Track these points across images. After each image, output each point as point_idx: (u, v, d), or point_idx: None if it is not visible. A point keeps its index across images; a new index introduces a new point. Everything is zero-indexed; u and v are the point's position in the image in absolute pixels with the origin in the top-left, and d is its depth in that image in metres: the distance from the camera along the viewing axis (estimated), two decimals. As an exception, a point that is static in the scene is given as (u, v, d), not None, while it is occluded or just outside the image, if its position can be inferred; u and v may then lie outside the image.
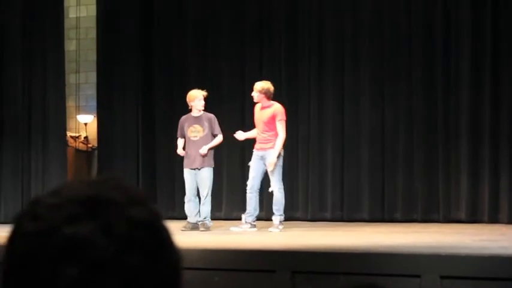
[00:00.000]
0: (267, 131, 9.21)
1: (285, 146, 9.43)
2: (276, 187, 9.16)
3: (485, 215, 10.50)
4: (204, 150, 9.28)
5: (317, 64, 11.60)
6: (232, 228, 9.20)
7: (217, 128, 9.41)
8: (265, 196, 10.62)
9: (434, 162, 10.89)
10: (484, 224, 10.19)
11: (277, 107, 9.27)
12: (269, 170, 9.16)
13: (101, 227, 0.93)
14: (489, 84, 10.61)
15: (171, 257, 0.99)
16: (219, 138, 9.42)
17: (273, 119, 9.19)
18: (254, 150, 9.38)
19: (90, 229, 0.92)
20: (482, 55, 10.69)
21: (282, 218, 9.18)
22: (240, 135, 9.60)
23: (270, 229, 9.08)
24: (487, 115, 10.61)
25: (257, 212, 9.37)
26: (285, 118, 9.28)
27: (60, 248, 0.92)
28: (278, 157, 9.14)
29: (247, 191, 9.36)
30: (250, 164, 9.37)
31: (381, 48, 11.27)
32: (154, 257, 0.95)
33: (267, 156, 9.16)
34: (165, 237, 0.99)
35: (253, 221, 9.26)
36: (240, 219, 9.96)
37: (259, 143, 9.28)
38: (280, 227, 9.08)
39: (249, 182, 9.34)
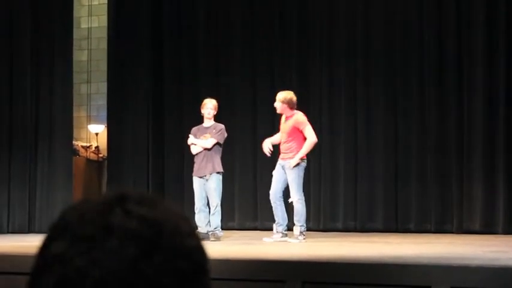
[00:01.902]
0: (289, 141, 9.17)
1: (308, 157, 9.35)
2: (296, 197, 9.07)
3: (500, 226, 10.43)
4: (191, 139, 9.36)
5: (329, 74, 11.58)
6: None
7: (216, 135, 9.37)
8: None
9: (447, 172, 10.83)
10: (498, 235, 10.12)
11: (298, 116, 9.19)
12: (289, 179, 9.10)
13: (143, 252, 0.92)
14: (503, 93, 10.55)
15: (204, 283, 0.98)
16: (210, 141, 9.34)
17: (294, 128, 9.13)
18: (278, 159, 9.34)
19: (130, 256, 0.92)
20: (496, 65, 10.64)
21: (303, 228, 9.08)
22: (265, 146, 9.37)
23: (289, 240, 9.00)
24: (500, 125, 10.55)
25: (286, 221, 9.23)
26: (307, 123, 9.17)
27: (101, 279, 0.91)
28: (299, 167, 9.07)
29: (271, 201, 9.31)
30: (273, 173, 9.34)
31: (393, 58, 11.24)
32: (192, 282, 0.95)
33: (288, 166, 9.13)
34: (206, 267, 0.99)
35: (284, 230, 9.19)
36: (252, 229, 9.93)
37: (282, 152, 9.26)
38: (301, 237, 8.97)
39: (270, 192, 9.29)
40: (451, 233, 10.54)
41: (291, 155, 9.10)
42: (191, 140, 9.45)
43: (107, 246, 0.91)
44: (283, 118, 9.35)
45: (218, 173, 9.29)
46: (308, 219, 11.27)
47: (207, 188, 9.26)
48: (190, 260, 0.96)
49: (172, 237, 0.95)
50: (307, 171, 11.38)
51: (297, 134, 9.14)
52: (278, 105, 9.23)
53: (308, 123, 9.19)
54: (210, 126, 9.45)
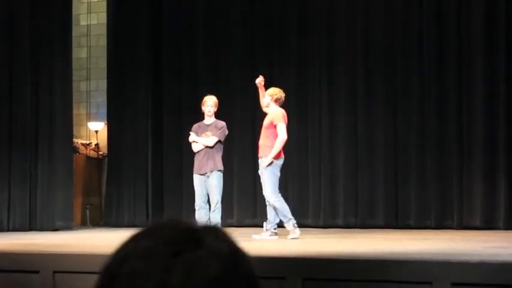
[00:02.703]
0: (265, 137, 9.11)
1: (285, 154, 9.19)
2: (272, 199, 8.97)
3: (500, 222, 10.43)
4: (193, 137, 9.34)
5: (328, 72, 11.58)
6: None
7: (218, 133, 9.34)
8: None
9: (447, 168, 10.83)
10: (499, 231, 10.12)
11: (275, 111, 9.11)
12: (263, 178, 9.01)
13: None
14: (503, 91, 10.58)
15: None
16: (211, 139, 9.33)
17: (271, 124, 9.07)
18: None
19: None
20: (496, 63, 10.64)
21: (293, 221, 8.99)
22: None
23: (289, 237, 8.94)
24: (501, 121, 10.56)
25: (277, 220, 9.20)
26: (284, 121, 9.05)
27: None
28: (273, 165, 8.97)
29: (265, 200, 9.26)
30: (259, 173, 9.29)
31: (393, 57, 11.24)
32: None
33: (261, 165, 9.10)
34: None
35: (274, 229, 9.15)
36: (252, 226, 9.90)
37: (259, 150, 9.21)
38: (297, 231, 8.92)
39: (263, 192, 9.24)
40: (451, 229, 10.54)
41: (266, 152, 9.03)
42: (192, 137, 9.42)
43: (197, 254, 0.99)
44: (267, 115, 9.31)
45: (219, 170, 9.27)
46: (308, 216, 11.30)
47: (208, 185, 9.24)
48: (255, 285, 1.05)
49: (245, 262, 1.05)
50: (306, 167, 11.40)
51: (273, 130, 9.04)
52: (266, 99, 9.20)
53: (283, 121, 9.05)
54: (211, 124, 9.42)
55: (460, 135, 10.80)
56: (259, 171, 9.19)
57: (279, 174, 9.06)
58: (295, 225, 8.98)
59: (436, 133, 10.92)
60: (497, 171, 10.54)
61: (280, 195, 9.07)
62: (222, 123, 9.42)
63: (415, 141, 11.06)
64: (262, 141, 9.15)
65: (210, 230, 1.05)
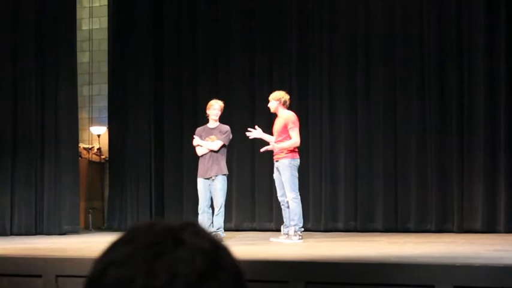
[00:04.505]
0: (280, 141, 9.15)
1: (300, 155, 9.30)
2: (291, 196, 9.01)
3: (501, 225, 10.42)
4: (197, 141, 9.32)
5: (328, 74, 11.59)
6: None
7: (222, 137, 9.36)
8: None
9: (448, 171, 10.83)
10: (500, 234, 10.12)
11: (288, 115, 9.19)
12: (282, 179, 9.05)
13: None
14: (504, 92, 10.57)
15: None
16: (216, 143, 9.35)
17: (284, 127, 9.12)
18: (274, 162, 9.31)
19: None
20: (496, 63, 10.64)
21: (298, 228, 8.99)
22: (255, 133, 9.37)
23: (283, 240, 8.95)
24: (502, 123, 10.56)
25: (301, 223, 9.19)
26: (297, 125, 9.16)
27: None
28: (291, 166, 9.04)
29: (280, 204, 9.26)
30: (274, 177, 9.30)
31: (393, 58, 11.25)
32: None
33: (279, 166, 9.11)
34: None
35: (288, 232, 9.16)
36: (250, 230, 9.88)
37: (275, 153, 9.25)
38: (295, 238, 8.91)
39: (278, 196, 9.25)
40: (451, 232, 10.54)
41: (282, 154, 9.08)
42: (197, 141, 9.43)
43: (178, 253, 0.98)
44: (277, 119, 9.33)
45: (224, 174, 9.29)
46: (308, 220, 11.30)
47: (213, 189, 9.26)
48: (242, 284, 1.04)
49: (228, 254, 1.04)
50: (306, 170, 11.41)
51: (287, 133, 9.11)
52: (272, 104, 9.24)
53: (297, 125, 9.13)
54: (215, 128, 9.44)
55: (461, 138, 10.79)
56: (274, 175, 9.20)
57: (297, 174, 9.10)
58: (299, 233, 8.99)
59: (437, 135, 10.92)
60: (497, 174, 10.54)
61: (299, 197, 9.06)
62: (227, 128, 9.43)
63: (415, 144, 11.06)
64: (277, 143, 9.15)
65: (188, 227, 1.03)
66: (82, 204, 12.71)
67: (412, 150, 11.08)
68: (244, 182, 11.77)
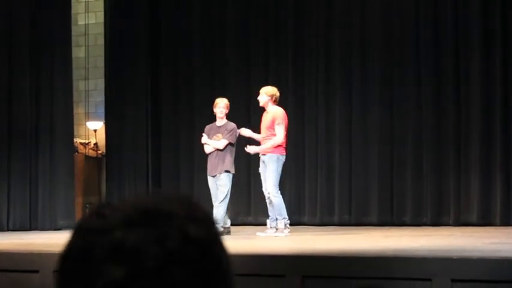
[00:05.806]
0: (269, 136, 9.15)
1: (287, 151, 9.28)
2: (272, 192, 9.03)
3: (497, 218, 10.43)
4: (205, 139, 9.38)
5: (325, 69, 11.58)
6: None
7: (228, 136, 9.38)
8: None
9: (444, 164, 10.83)
10: (496, 227, 10.12)
11: (277, 111, 9.19)
12: (267, 172, 9.04)
13: (155, 236, 0.95)
14: (499, 86, 10.58)
15: (221, 281, 0.99)
16: (222, 142, 9.37)
17: (273, 123, 9.13)
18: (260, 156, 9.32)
19: (143, 236, 0.95)
20: (492, 58, 10.65)
21: (286, 221, 9.04)
22: (245, 132, 9.47)
23: (275, 234, 8.96)
24: (497, 117, 10.57)
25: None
26: (284, 122, 9.15)
27: (112, 248, 0.94)
28: (277, 161, 9.04)
29: (265, 198, 9.28)
30: (260, 170, 9.31)
31: (389, 52, 11.24)
32: (202, 276, 0.96)
33: (266, 159, 9.11)
34: (217, 259, 0.99)
35: (276, 226, 9.16)
36: (245, 224, 9.86)
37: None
38: (286, 231, 8.97)
39: (263, 190, 9.27)
40: (447, 225, 10.54)
41: (271, 149, 9.08)
42: (204, 139, 9.48)
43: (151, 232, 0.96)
44: (264, 115, 9.34)
45: (227, 171, 9.30)
46: (304, 214, 11.31)
47: (218, 185, 9.32)
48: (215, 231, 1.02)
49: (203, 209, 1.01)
50: (302, 164, 11.41)
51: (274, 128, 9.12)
52: (263, 97, 9.24)
53: (284, 122, 9.13)
54: (222, 126, 9.47)
55: (458, 131, 10.79)
56: (260, 169, 9.22)
57: (281, 171, 9.10)
58: (287, 225, 9.05)
59: (433, 129, 10.92)
60: (493, 168, 10.54)
61: (279, 192, 9.11)
62: (232, 126, 9.46)
63: (411, 137, 11.06)
64: (267, 139, 9.15)
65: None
66: (79, 200, 12.69)
67: (408, 143, 11.08)
68: (240, 176, 11.73)
